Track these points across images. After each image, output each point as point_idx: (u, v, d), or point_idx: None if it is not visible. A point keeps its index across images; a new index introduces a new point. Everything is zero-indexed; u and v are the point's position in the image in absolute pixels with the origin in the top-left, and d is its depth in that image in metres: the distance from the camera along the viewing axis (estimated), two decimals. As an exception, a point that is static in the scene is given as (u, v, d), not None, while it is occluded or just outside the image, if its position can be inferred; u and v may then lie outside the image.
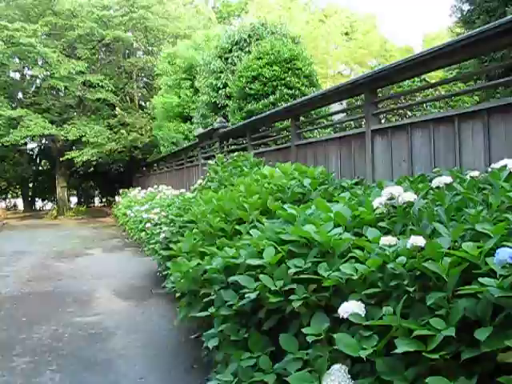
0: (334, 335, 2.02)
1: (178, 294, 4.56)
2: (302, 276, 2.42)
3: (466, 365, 1.72)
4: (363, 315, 2.01)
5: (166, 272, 6.45)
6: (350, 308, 2.03)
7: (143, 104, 28.76)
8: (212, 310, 3.02)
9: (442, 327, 1.74)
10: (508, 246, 1.79)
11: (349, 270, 2.21)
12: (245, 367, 2.53)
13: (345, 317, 2.02)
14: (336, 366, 1.99)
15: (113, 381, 4.44)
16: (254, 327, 2.79)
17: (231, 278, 2.90)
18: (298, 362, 2.24)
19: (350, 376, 1.95)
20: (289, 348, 2.33)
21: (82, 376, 4.55)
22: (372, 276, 2.17)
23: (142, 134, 24.51)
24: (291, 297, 2.40)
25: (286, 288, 2.46)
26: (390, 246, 2.21)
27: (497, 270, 1.76)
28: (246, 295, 2.64)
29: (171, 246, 4.77)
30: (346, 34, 42.95)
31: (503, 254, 1.73)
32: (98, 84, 25.25)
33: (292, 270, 2.46)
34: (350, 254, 2.38)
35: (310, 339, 2.17)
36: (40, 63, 25.34)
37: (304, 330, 2.23)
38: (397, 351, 1.75)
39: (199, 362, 4.62)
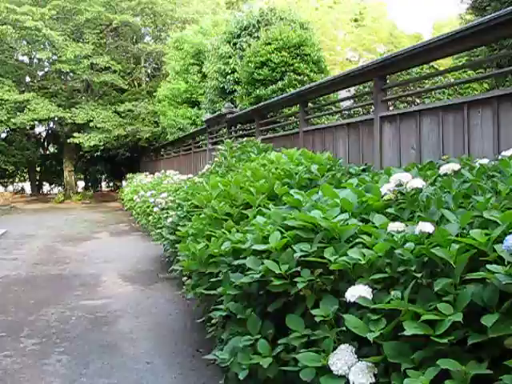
0: (344, 315, 2.03)
1: (184, 278, 4.59)
2: (308, 259, 2.43)
3: (471, 350, 1.73)
4: (370, 299, 2.02)
5: (172, 257, 6.49)
6: (358, 292, 2.03)
7: (151, 89, 28.71)
8: (221, 289, 3.06)
9: (450, 312, 1.75)
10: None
11: (356, 255, 2.21)
12: (242, 348, 2.56)
13: (352, 301, 2.02)
14: (343, 346, 2.00)
15: (120, 363, 4.48)
16: (260, 308, 2.81)
17: (238, 261, 2.93)
18: (303, 338, 2.27)
19: (356, 356, 1.96)
20: (295, 327, 2.34)
21: (89, 358, 4.60)
22: (379, 261, 2.17)
23: (146, 125, 24.43)
24: (296, 279, 2.41)
25: (292, 271, 2.47)
26: (398, 232, 2.21)
27: (505, 256, 1.76)
28: (250, 275, 2.67)
29: (179, 228, 4.79)
30: (355, 20, 42.63)
31: (512, 240, 1.73)
32: (104, 67, 25.19)
33: (298, 254, 2.46)
34: (356, 240, 2.38)
35: (318, 319, 2.19)
36: (47, 47, 25.30)
37: (313, 311, 2.24)
38: (405, 333, 1.75)
39: (205, 345, 4.66)
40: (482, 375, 1.62)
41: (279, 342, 2.43)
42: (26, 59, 28.27)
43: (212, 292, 3.24)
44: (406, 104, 9.98)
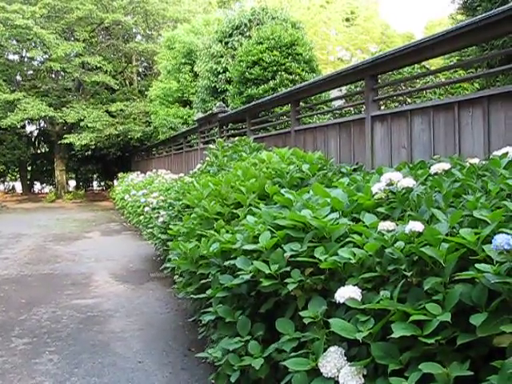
0: (330, 320, 2.03)
1: (176, 277, 4.58)
2: (298, 258, 2.43)
3: (460, 349, 1.73)
4: (359, 300, 2.02)
5: (164, 256, 6.48)
6: (347, 293, 2.03)
7: (143, 88, 28.63)
8: (209, 291, 3.05)
9: (438, 312, 1.75)
10: (505, 233, 1.80)
11: (346, 254, 2.21)
12: (233, 350, 2.56)
13: (341, 301, 2.02)
14: (332, 348, 2.01)
15: (111, 363, 4.46)
16: (250, 309, 2.80)
17: (228, 262, 2.92)
18: (293, 341, 2.27)
19: (346, 358, 1.96)
20: (285, 330, 2.34)
21: (80, 357, 4.58)
22: (369, 260, 2.18)
23: (138, 124, 24.34)
24: (287, 280, 2.41)
25: (281, 271, 2.47)
26: (388, 231, 2.22)
27: (493, 256, 1.77)
28: (240, 276, 2.66)
29: (170, 227, 4.79)
30: (347, 19, 42.71)
31: (500, 239, 1.73)
32: (96, 66, 25.10)
33: (288, 254, 2.46)
34: (347, 239, 2.38)
35: (306, 321, 2.18)
36: (38, 45, 25.18)
37: (301, 313, 2.24)
38: (393, 336, 1.75)
39: (196, 344, 4.66)
40: (468, 375, 1.63)
41: (270, 346, 2.43)
42: (16, 58, 28.11)
43: (202, 296, 3.24)
44: (397, 103, 10.01)
